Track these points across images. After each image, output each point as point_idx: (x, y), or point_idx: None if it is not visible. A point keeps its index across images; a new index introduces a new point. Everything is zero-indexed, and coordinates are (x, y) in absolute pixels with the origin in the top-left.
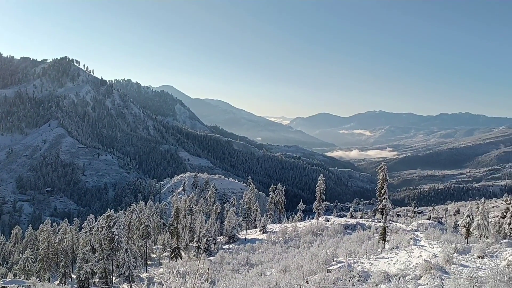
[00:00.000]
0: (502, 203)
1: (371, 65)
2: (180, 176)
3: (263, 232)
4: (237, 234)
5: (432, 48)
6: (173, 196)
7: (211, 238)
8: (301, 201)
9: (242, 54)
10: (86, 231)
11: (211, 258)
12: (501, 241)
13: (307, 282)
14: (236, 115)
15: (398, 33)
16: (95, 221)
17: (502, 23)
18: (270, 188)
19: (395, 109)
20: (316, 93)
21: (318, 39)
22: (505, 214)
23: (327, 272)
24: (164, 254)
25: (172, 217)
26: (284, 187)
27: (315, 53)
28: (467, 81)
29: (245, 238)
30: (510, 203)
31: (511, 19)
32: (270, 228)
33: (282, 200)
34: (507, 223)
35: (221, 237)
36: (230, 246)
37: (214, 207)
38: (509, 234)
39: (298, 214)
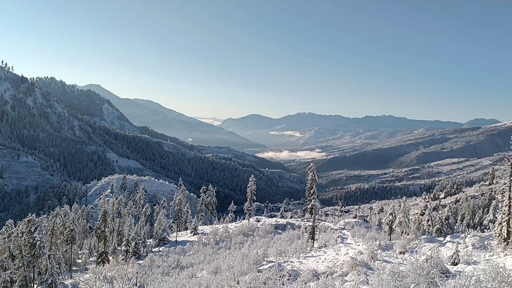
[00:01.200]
0: (421, 201)
1: (301, 68)
2: (108, 178)
3: (194, 234)
4: (167, 237)
5: (357, 54)
6: (100, 198)
7: (140, 241)
8: (232, 202)
9: (173, 53)
10: (5, 237)
11: (140, 261)
12: (421, 237)
13: (238, 282)
14: (167, 116)
15: (326, 38)
16: (15, 227)
17: (422, 30)
18: (201, 190)
19: (324, 111)
20: (248, 94)
21: (248, 41)
22: (424, 211)
23: (258, 272)
24: (91, 259)
25: (99, 221)
26: (215, 188)
27: (246, 55)
28: (390, 85)
29: (176, 240)
30: (428, 201)
31: (426, 27)
32: (201, 230)
33: (213, 201)
34: (426, 220)
35: (151, 240)
36: (160, 249)
37: (143, 210)
38: (427, 230)
39: (229, 215)
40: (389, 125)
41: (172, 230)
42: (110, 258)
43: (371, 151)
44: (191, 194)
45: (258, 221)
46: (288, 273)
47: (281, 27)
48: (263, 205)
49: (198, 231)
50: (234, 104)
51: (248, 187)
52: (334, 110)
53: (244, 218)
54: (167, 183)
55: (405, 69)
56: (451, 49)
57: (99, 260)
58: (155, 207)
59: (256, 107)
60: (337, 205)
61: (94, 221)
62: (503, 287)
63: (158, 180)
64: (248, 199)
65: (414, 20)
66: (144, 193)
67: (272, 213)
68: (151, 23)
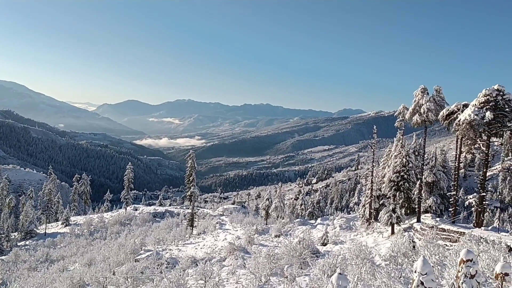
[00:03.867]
0: (295, 186)
1: (180, 56)
2: None
3: (66, 225)
4: (35, 229)
5: (236, 43)
6: None
7: (3, 235)
8: (109, 191)
9: (42, 30)
10: None
11: (3, 257)
12: (294, 221)
13: (113, 273)
14: (35, 100)
15: (204, 27)
16: None
17: (299, 29)
18: (74, 178)
19: (203, 99)
20: (125, 80)
21: (124, 28)
22: (298, 196)
23: (135, 261)
24: None
25: None
26: (90, 176)
27: (122, 41)
28: (268, 75)
29: (45, 232)
30: (302, 187)
31: (301, 27)
32: (74, 221)
33: (87, 190)
34: (299, 204)
35: (15, 234)
36: (27, 243)
37: (7, 201)
38: (301, 214)
39: (105, 204)
40: (266, 113)
41: (41, 222)
42: None
43: (250, 139)
44: (63, 183)
45: (136, 209)
46: (166, 261)
47: (157, 15)
48: (141, 193)
49: (70, 222)
50: (110, 89)
51: (125, 175)
52: (213, 98)
53: (121, 207)
54: (35, 172)
55: (282, 62)
56: (322, 47)
57: None
58: (20, 198)
59: (134, 92)
60: (216, 192)
61: None
62: (365, 263)
63: (25, 169)
64: (125, 187)
65: (294, 21)
66: (8, 183)
67: (150, 201)
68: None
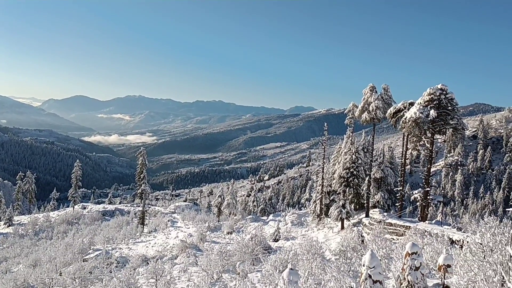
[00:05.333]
0: (248, 183)
1: (130, 51)
2: None
3: (9, 225)
4: None
5: (186, 42)
6: None
7: None
8: (55, 189)
9: None
10: None
11: None
12: (247, 217)
13: (60, 274)
14: None
15: (154, 23)
16: None
17: (252, 29)
18: (17, 176)
19: (154, 95)
20: (72, 74)
21: (70, 23)
22: (250, 193)
23: (84, 261)
24: None
25: None
26: (35, 174)
27: (68, 34)
28: (220, 72)
29: None
30: (254, 183)
31: (253, 28)
32: (18, 220)
33: (32, 188)
34: (252, 201)
35: None
36: None
37: None
38: (253, 210)
39: (51, 203)
40: (219, 110)
41: None
42: None
43: (202, 136)
44: (5, 181)
45: (84, 208)
46: (116, 260)
47: (104, 11)
48: (90, 191)
49: (14, 222)
50: (56, 84)
51: (73, 172)
52: (165, 94)
53: (68, 206)
54: None
55: (234, 59)
56: (275, 45)
57: None
58: None
59: (82, 88)
60: (168, 189)
61: None
62: (315, 258)
63: None
64: (73, 185)
65: (246, 19)
66: None
67: (100, 199)
68: None
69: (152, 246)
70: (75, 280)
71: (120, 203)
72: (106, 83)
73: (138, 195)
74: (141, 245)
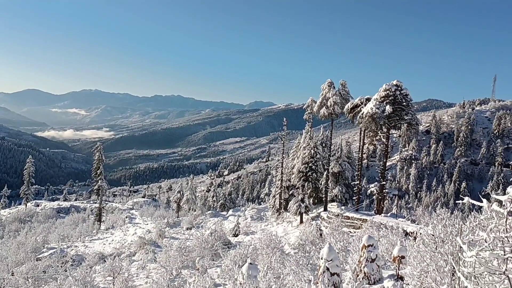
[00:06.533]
0: (207, 178)
1: (84, 44)
2: None
3: None
4: None
5: (142, 36)
6: None
7: None
8: (6, 186)
9: None
10: None
11: None
12: (206, 213)
13: (12, 274)
14: None
15: (106, 17)
16: None
17: (209, 27)
18: None
19: (111, 89)
20: (24, 67)
21: (24, 11)
22: (209, 188)
23: (37, 260)
24: None
25: None
26: None
27: (19, 24)
28: (178, 66)
29: None
30: (213, 178)
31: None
32: None
33: None
34: (211, 196)
35: None
36: None
37: None
38: (212, 205)
39: (1, 200)
40: (178, 105)
41: None
42: None
43: (161, 131)
44: None
45: (38, 205)
46: (72, 258)
47: (55, 4)
48: (43, 188)
49: None
50: (7, 76)
51: (25, 169)
52: (122, 88)
53: (20, 203)
54: None
55: (192, 53)
56: (233, 40)
57: None
58: None
59: (35, 81)
60: (126, 185)
61: None
62: (275, 252)
63: None
64: (25, 182)
65: (204, 13)
66: None
67: (54, 196)
68: None
69: (110, 243)
70: (28, 280)
71: (75, 200)
72: (61, 76)
73: (95, 191)
74: (98, 242)
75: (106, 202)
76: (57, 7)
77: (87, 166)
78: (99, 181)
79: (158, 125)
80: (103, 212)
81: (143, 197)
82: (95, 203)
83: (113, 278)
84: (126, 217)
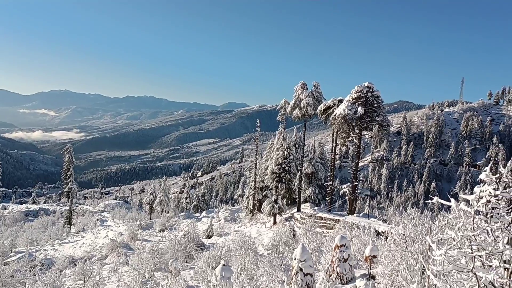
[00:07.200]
0: (181, 180)
1: (53, 44)
2: None
3: None
4: None
5: (113, 36)
6: None
7: None
8: None
9: None
10: None
11: None
12: (179, 214)
13: None
14: None
15: (75, 16)
16: None
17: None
18: None
19: (82, 89)
20: None
21: None
22: (183, 190)
23: (4, 265)
24: None
25: None
26: None
27: None
28: (151, 67)
29: None
30: (187, 180)
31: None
32: None
33: None
34: (184, 197)
35: None
36: None
37: None
38: (186, 207)
39: None
40: (150, 106)
41: None
42: None
43: (133, 132)
44: None
45: (5, 208)
46: (41, 262)
47: (25, 4)
48: (11, 190)
49: None
50: None
51: None
52: (93, 89)
53: None
54: None
55: (165, 55)
56: (206, 42)
57: None
58: None
59: (1, 81)
60: (97, 187)
61: None
62: (248, 253)
63: None
64: None
65: (175, 15)
66: None
67: (22, 199)
68: None
69: (80, 247)
70: None
71: (45, 202)
72: (29, 76)
73: (65, 193)
74: (68, 245)
75: (77, 205)
76: (23, 7)
77: (57, 168)
78: (69, 183)
79: (130, 126)
80: (74, 215)
81: (115, 199)
82: (65, 205)
83: (84, 282)
84: (97, 219)
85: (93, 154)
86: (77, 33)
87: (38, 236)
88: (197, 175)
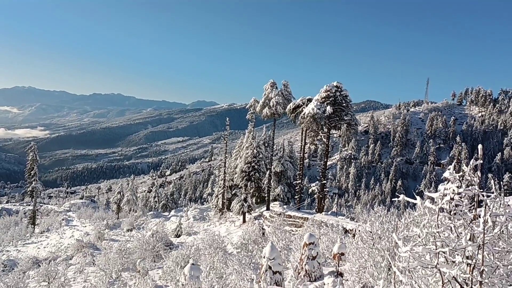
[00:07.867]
0: (149, 178)
1: (15, 39)
2: None
3: None
4: None
5: (78, 32)
6: None
7: None
8: None
9: None
10: None
11: None
12: (148, 214)
13: None
14: None
15: (38, 12)
16: None
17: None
18: None
19: (46, 86)
20: None
21: None
22: (151, 189)
23: None
24: None
25: None
26: None
27: None
28: (118, 64)
29: None
30: (155, 179)
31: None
32: None
33: None
34: (153, 196)
35: None
36: None
37: None
38: (154, 206)
39: None
40: (118, 104)
41: None
42: None
43: (100, 130)
44: None
45: None
46: (3, 263)
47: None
48: None
49: None
50: None
51: None
52: (58, 86)
53: None
54: None
55: (132, 52)
56: (174, 40)
57: None
58: None
59: None
60: (63, 187)
61: None
62: (217, 252)
63: None
64: None
65: (143, 12)
66: None
67: None
68: None
69: (45, 247)
70: None
71: (7, 202)
72: None
73: (28, 193)
74: (32, 246)
75: (41, 204)
76: None
77: (20, 167)
78: (33, 182)
79: (97, 124)
80: (38, 215)
81: (81, 198)
82: (29, 205)
83: (48, 283)
84: (63, 219)
85: (58, 153)
86: (41, 29)
87: (0, 237)
88: (166, 174)
